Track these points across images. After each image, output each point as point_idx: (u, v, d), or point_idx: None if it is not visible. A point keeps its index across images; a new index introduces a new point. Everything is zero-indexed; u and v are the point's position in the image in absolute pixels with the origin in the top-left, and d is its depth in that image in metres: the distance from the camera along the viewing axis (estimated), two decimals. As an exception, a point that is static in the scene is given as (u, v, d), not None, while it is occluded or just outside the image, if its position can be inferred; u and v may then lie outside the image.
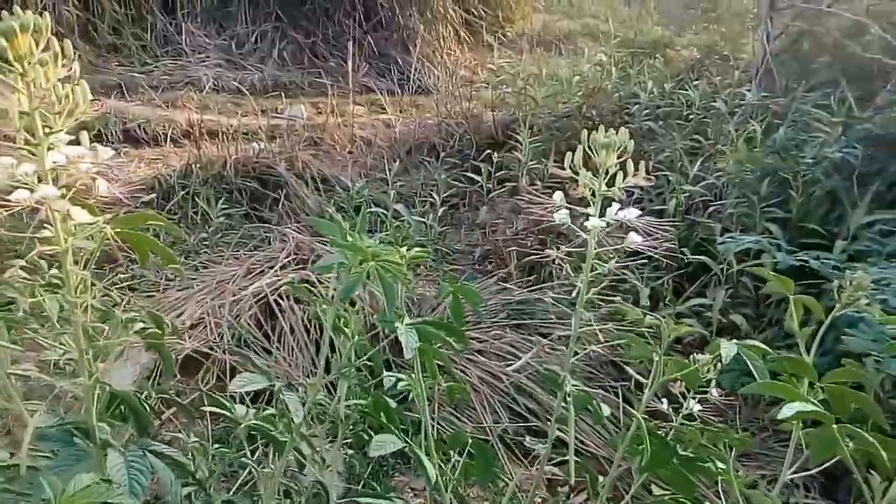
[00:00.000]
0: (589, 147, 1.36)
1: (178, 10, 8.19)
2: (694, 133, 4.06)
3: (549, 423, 3.00)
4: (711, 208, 3.58)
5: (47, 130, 1.07)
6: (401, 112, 7.35)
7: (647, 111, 4.33)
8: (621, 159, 1.36)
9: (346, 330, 1.34)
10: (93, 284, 1.15)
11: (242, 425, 1.30)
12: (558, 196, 1.42)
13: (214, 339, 3.16)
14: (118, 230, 1.13)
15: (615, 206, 1.38)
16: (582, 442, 3.08)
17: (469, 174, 4.70)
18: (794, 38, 4.43)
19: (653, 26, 5.94)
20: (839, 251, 2.95)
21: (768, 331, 3.09)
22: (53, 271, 1.14)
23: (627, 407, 3.24)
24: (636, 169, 1.35)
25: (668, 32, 5.52)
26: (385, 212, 3.92)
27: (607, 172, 1.37)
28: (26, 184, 1.06)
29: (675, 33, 5.41)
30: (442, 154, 4.96)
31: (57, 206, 1.07)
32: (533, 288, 3.47)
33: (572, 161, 1.36)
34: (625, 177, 1.37)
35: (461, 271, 3.87)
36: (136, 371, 3.19)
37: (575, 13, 8.06)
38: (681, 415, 1.45)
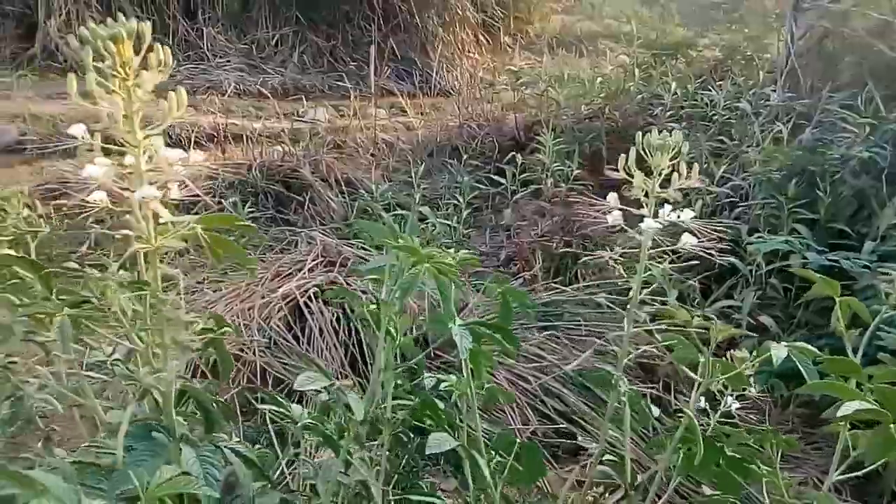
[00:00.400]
0: (643, 149, 1.37)
1: (200, 15, 8.26)
2: (718, 134, 4.06)
3: (576, 424, 3.02)
4: (738, 209, 3.58)
5: (144, 134, 1.10)
6: (421, 114, 7.38)
7: (670, 112, 4.33)
8: (673, 161, 1.37)
9: (392, 330, 1.36)
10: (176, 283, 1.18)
11: (299, 424, 1.32)
12: (613, 198, 1.43)
13: (245, 341, 3.20)
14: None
15: (667, 207, 1.39)
16: (610, 443, 3.09)
17: (492, 176, 4.71)
18: (819, 37, 4.41)
19: (674, 27, 5.93)
20: (868, 251, 2.94)
21: (797, 332, 3.08)
22: (114, 269, 1.16)
23: (655, 408, 3.26)
24: (688, 171, 1.36)
25: (690, 33, 5.50)
26: (410, 214, 3.94)
27: (660, 174, 1.38)
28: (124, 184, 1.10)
29: (698, 34, 5.39)
30: (464, 156, 4.98)
31: (153, 206, 1.10)
32: (559, 290, 3.48)
33: (626, 163, 1.38)
34: (679, 178, 1.38)
35: (486, 273, 3.88)
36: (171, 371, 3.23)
37: (595, 15, 8.04)
38: (718, 413, 1.46)
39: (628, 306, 1.45)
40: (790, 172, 3.33)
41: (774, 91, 4.13)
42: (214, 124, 6.44)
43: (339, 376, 3.22)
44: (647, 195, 1.41)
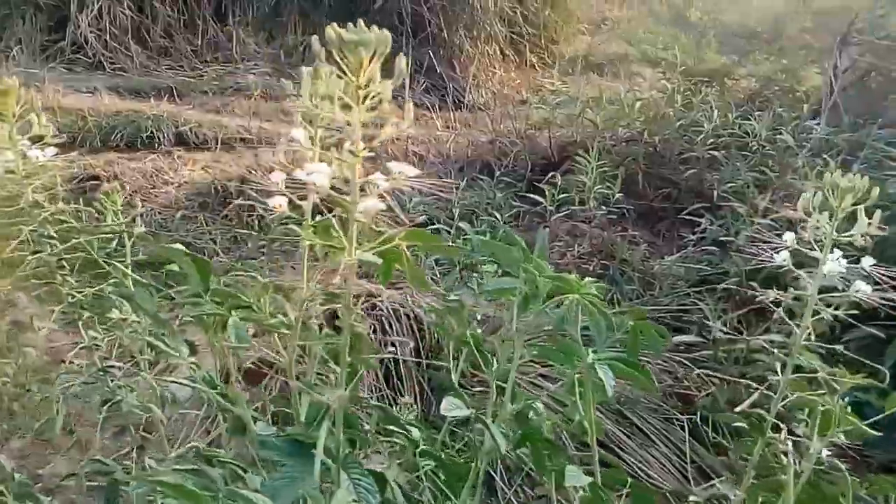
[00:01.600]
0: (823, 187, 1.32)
1: (230, 17, 8.27)
2: (759, 165, 4.02)
3: (620, 452, 2.97)
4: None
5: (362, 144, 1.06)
6: (448, 128, 7.36)
7: (710, 140, 4.29)
8: (856, 204, 1.32)
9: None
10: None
11: (417, 449, 1.27)
12: (790, 237, 1.40)
13: (278, 349, 3.15)
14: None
15: (836, 251, 1.34)
16: (647, 474, 3.03)
17: (525, 194, 4.67)
18: (862, 73, 4.38)
19: (710, 54, 5.92)
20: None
21: (841, 368, 3.03)
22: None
23: (693, 440, 3.21)
24: (868, 217, 1.32)
25: (727, 61, 5.49)
26: (447, 229, 3.90)
27: (835, 216, 1.33)
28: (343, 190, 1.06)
29: (735, 63, 5.38)
30: (497, 172, 4.95)
31: (364, 219, 1.06)
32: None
33: (812, 202, 1.33)
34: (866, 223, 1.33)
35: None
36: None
37: (631, 37, 8.02)
38: (813, 458, 1.41)
39: (791, 352, 1.40)
40: (839, 208, 3.28)
41: (818, 124, 4.10)
42: (245, 126, 6.44)
43: (374, 389, 3.17)
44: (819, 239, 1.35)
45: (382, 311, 3.15)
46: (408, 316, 3.15)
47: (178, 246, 1.30)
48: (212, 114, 6.74)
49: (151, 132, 5.97)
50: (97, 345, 1.53)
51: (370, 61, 1.03)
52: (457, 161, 5.37)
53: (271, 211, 1.08)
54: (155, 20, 7.86)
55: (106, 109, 6.22)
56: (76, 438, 3.20)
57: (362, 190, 1.06)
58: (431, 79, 8.66)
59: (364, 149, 1.04)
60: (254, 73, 7.96)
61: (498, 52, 9.34)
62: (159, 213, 4.67)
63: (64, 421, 3.21)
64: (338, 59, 1.02)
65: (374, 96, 1.03)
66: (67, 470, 2.96)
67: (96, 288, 1.47)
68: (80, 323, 1.54)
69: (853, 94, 4.42)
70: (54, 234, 1.42)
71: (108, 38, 7.51)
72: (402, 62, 1.05)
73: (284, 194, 1.07)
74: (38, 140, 1.49)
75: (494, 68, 9.08)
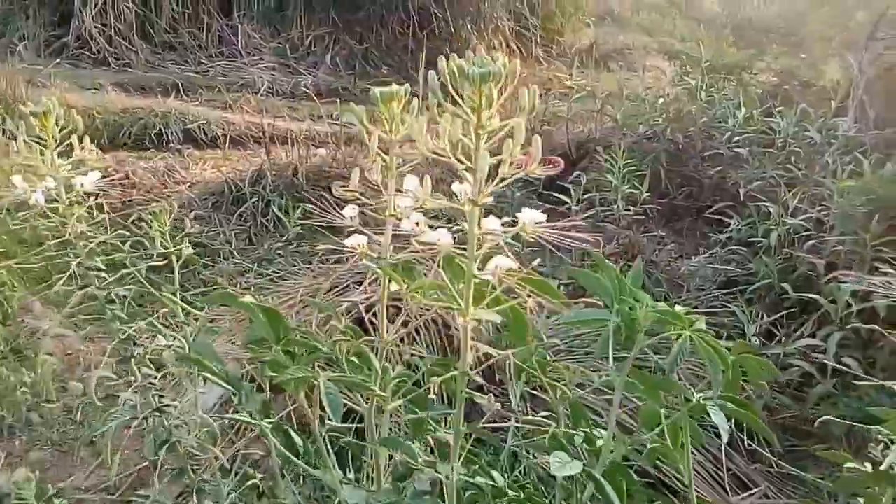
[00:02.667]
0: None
1: (235, 11, 8.17)
2: (786, 162, 3.95)
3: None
4: (810, 242, 3.46)
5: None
6: (454, 123, 7.27)
7: (735, 137, 4.22)
8: None
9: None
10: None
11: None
12: None
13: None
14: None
15: None
16: (681, 482, 2.97)
17: (542, 192, 4.59)
18: (889, 67, 4.31)
19: (728, 48, 5.83)
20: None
21: (879, 376, 2.97)
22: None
23: (728, 447, 3.14)
24: None
25: (745, 56, 5.41)
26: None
27: None
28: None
29: (753, 56, 5.30)
30: (513, 170, 4.86)
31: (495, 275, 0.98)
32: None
33: None
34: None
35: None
36: (219, 393, 3.11)
37: (651, 29, 7.92)
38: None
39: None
40: (873, 207, 3.22)
41: (845, 121, 4.03)
42: (257, 123, 6.35)
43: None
44: None
45: (408, 316, 3.06)
46: (435, 322, 3.08)
47: (249, 299, 1.22)
48: (219, 110, 6.65)
49: (160, 129, 5.89)
50: (152, 383, 1.45)
51: (499, 95, 0.95)
52: (472, 158, 5.28)
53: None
54: (159, 15, 7.76)
55: (113, 106, 6.13)
56: (97, 450, 3.15)
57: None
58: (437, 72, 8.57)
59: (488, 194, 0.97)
60: (260, 68, 7.87)
61: (504, 45, 9.25)
62: (172, 213, 4.58)
63: (83, 433, 3.15)
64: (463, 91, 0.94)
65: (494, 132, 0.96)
66: (89, 484, 2.91)
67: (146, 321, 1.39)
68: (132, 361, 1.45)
69: (876, 90, 4.35)
70: (102, 267, 1.35)
71: (112, 33, 7.41)
72: (526, 94, 0.96)
73: (363, 232, 1.00)
74: (79, 164, 1.41)
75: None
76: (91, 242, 1.37)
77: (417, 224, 0.99)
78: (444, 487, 1.10)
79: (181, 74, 7.43)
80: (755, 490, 2.90)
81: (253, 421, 1.22)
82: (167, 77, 7.27)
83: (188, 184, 4.92)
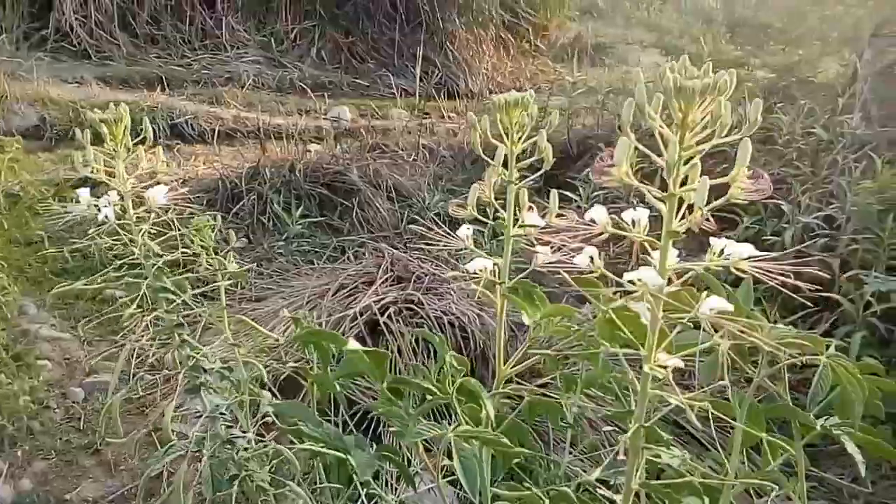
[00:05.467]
0: None
1: (219, 3, 7.99)
2: (794, 160, 3.92)
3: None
4: (822, 241, 3.44)
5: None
6: (442, 118, 7.22)
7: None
8: None
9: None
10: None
11: None
12: None
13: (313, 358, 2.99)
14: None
15: None
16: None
17: (542, 188, 4.53)
18: (891, 64, 4.30)
19: (724, 44, 5.80)
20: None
21: (897, 375, 2.96)
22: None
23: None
24: None
25: (741, 52, 5.38)
26: (480, 228, 3.75)
27: None
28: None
29: (749, 53, 5.28)
30: (512, 166, 4.80)
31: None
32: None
33: None
34: None
35: (553, 293, 3.70)
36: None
37: (650, 24, 7.87)
38: None
39: None
40: (889, 206, 3.20)
41: (850, 117, 4.01)
42: (237, 118, 6.24)
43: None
44: None
45: (424, 318, 3.01)
46: (452, 325, 3.01)
47: (354, 344, 1.14)
48: (206, 104, 6.52)
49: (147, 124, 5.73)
50: (222, 413, 1.36)
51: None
52: (470, 153, 5.21)
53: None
54: (141, 6, 7.57)
55: (97, 101, 5.96)
56: (102, 459, 3.05)
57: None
58: (423, 66, 8.47)
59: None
60: (245, 62, 7.72)
61: (492, 41, 9.18)
62: (166, 212, 4.46)
63: (89, 440, 3.03)
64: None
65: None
66: (96, 494, 2.80)
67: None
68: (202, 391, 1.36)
69: (879, 87, 4.34)
70: (171, 288, 1.26)
71: (93, 25, 7.21)
72: (754, 107, 0.88)
73: (480, 254, 0.93)
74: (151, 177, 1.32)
75: (488, 56, 8.92)
76: (158, 261, 1.27)
77: (592, 260, 0.91)
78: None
79: (164, 68, 7.26)
80: (778, 491, 2.87)
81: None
82: (150, 70, 7.10)
83: (180, 180, 4.78)
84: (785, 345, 0.99)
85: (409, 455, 2.68)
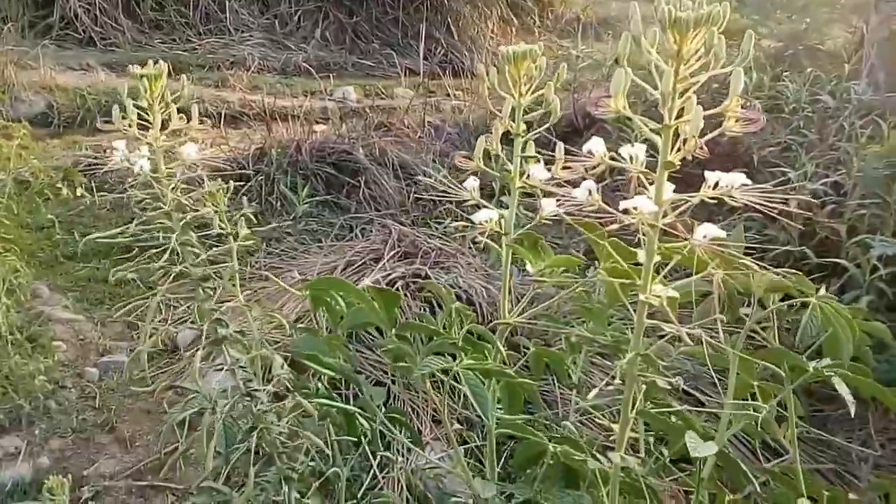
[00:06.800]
0: None
1: (222, -14, 7.98)
2: (801, 127, 3.91)
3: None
4: (829, 207, 3.44)
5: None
6: (447, 96, 7.19)
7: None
8: None
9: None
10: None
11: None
12: None
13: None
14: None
15: None
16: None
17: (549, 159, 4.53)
18: (892, 32, 4.27)
19: (731, 13, 5.71)
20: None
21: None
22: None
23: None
24: None
25: (748, 21, 5.34)
26: (486, 204, 3.76)
27: None
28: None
29: (756, 22, 5.24)
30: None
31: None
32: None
33: None
34: None
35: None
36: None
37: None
38: None
39: None
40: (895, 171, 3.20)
41: (857, 84, 3.99)
42: (244, 101, 6.24)
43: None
44: None
45: (431, 292, 3.02)
46: (459, 298, 3.03)
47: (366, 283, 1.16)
48: (212, 88, 6.54)
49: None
50: (242, 366, 1.39)
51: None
52: (475, 130, 5.21)
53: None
54: (145, -8, 7.57)
55: (103, 87, 5.99)
56: (118, 436, 3.10)
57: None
58: (428, 45, 8.44)
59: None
60: (249, 45, 7.72)
61: (497, 17, 9.14)
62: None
63: (105, 417, 3.08)
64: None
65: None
66: (113, 470, 2.85)
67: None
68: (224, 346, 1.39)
69: (884, 52, 4.30)
70: (196, 243, 1.29)
71: (97, 12, 7.22)
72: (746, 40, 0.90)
73: (486, 206, 0.94)
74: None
75: (493, 32, 8.88)
76: (187, 216, 1.31)
77: (591, 193, 0.93)
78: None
79: (169, 53, 7.26)
80: (785, 457, 2.88)
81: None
82: (155, 56, 7.07)
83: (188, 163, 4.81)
84: (775, 286, 1.01)
85: (419, 426, 2.72)
